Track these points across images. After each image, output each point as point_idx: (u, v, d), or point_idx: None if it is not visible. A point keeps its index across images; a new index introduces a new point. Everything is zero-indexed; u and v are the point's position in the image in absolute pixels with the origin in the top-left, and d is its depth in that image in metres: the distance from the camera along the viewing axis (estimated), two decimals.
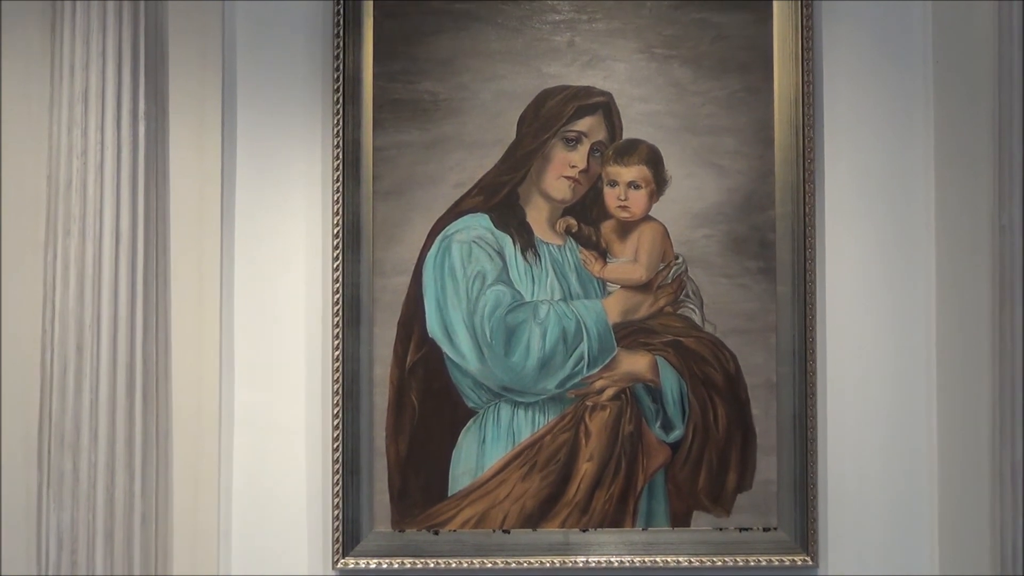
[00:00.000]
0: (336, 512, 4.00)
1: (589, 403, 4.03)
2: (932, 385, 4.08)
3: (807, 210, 4.04)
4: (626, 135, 4.06)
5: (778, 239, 4.05)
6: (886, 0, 4.13)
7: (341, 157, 4.03)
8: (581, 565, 4.01)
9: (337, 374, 4.01)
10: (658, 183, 4.05)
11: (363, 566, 4.00)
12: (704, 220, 4.05)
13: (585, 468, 4.02)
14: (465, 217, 4.05)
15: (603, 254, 4.05)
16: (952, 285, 4.02)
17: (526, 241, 4.05)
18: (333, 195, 4.04)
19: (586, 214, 4.06)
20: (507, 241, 4.05)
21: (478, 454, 4.02)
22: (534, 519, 4.02)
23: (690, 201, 4.06)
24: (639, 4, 4.07)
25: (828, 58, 4.11)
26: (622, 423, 4.03)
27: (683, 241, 4.05)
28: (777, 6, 4.07)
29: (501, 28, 4.06)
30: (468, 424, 4.02)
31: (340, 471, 4.00)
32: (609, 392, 4.03)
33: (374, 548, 4.00)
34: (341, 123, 4.04)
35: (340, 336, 4.01)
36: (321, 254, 4.06)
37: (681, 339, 4.04)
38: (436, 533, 4.01)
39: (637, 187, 4.05)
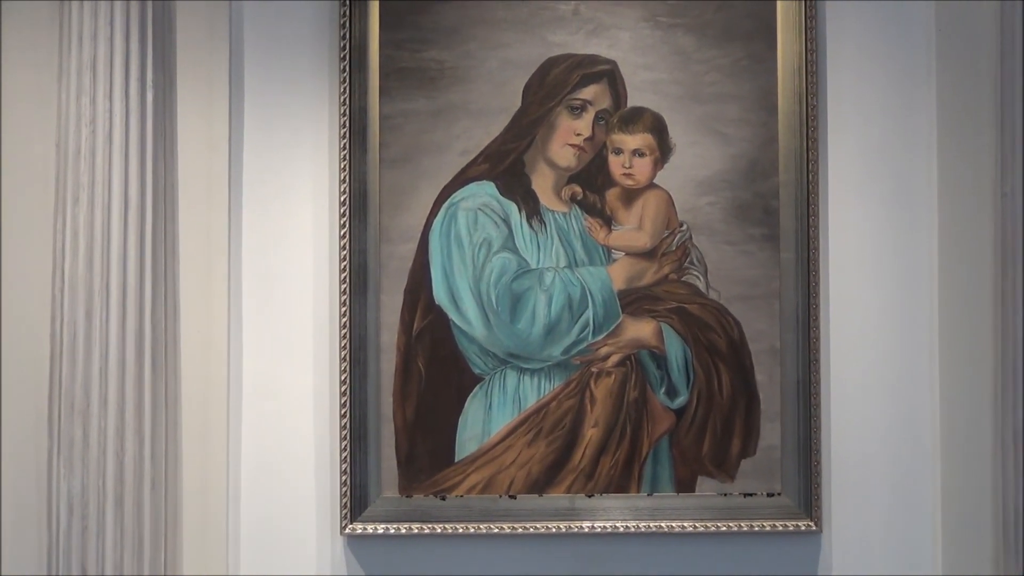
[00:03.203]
0: (344, 478, 4.01)
1: (594, 369, 4.04)
2: (934, 350, 4.08)
3: (810, 177, 4.05)
4: (631, 103, 4.06)
5: (782, 206, 4.05)
6: None
7: (348, 125, 4.04)
8: (587, 530, 4.02)
9: (344, 341, 4.02)
10: (662, 151, 4.06)
11: (371, 531, 4.01)
12: (708, 187, 4.06)
13: (590, 434, 4.03)
14: (471, 185, 4.05)
15: (608, 221, 4.06)
16: (954, 251, 4.03)
17: (532, 208, 4.05)
18: (340, 163, 4.04)
19: (591, 182, 4.06)
20: (513, 208, 4.05)
21: (484, 420, 4.03)
22: (540, 484, 4.03)
23: (694, 169, 4.06)
24: None
25: (831, 26, 4.10)
26: (627, 389, 4.04)
27: (687, 208, 4.06)
28: None
29: None
30: (474, 390, 4.03)
31: (348, 437, 4.01)
32: (614, 358, 4.04)
33: (381, 513, 4.02)
34: (348, 91, 4.04)
35: (347, 303, 4.02)
36: (328, 222, 4.06)
37: (686, 306, 4.05)
38: (443, 498, 4.03)
39: (642, 155, 4.05)
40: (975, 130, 3.91)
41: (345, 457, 4.01)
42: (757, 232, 4.05)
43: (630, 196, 4.06)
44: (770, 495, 4.04)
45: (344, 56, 4.05)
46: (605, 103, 4.06)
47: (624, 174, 4.06)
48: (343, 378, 4.02)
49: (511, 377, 4.04)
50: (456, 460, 4.03)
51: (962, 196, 4.00)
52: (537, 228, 4.05)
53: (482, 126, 4.05)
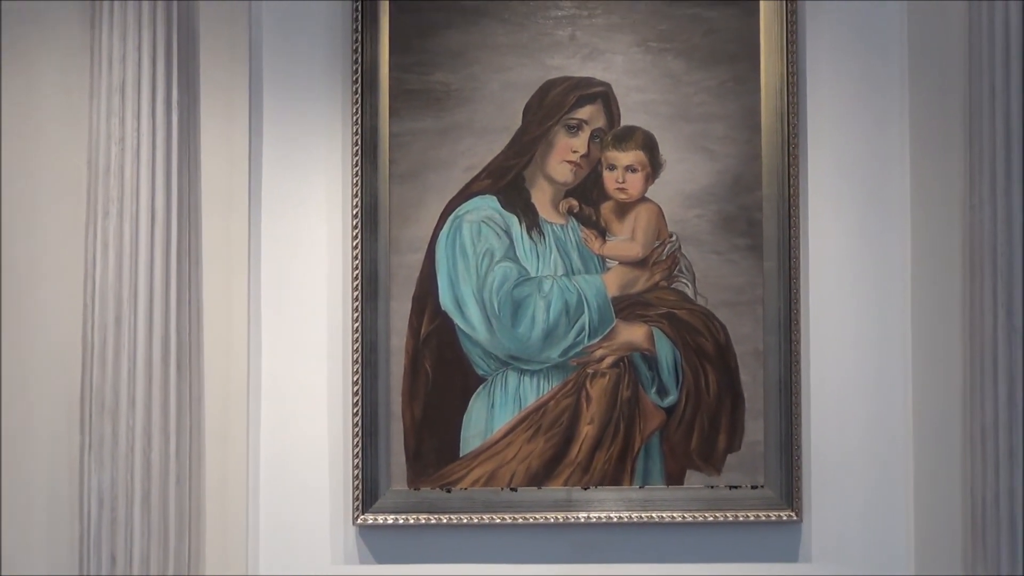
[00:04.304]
0: (356, 472, 4.08)
1: (590, 371, 4.11)
2: (908, 352, 4.13)
3: (791, 191, 4.10)
4: (624, 122, 4.13)
5: (765, 218, 4.11)
6: None
7: (359, 143, 4.10)
8: (583, 520, 4.09)
9: (356, 344, 4.08)
10: (653, 167, 4.13)
11: (381, 522, 4.08)
12: (696, 201, 4.12)
13: (586, 431, 4.10)
14: (475, 199, 4.12)
15: (602, 233, 4.13)
16: (926, 261, 4.09)
17: (531, 221, 4.12)
18: (352, 179, 4.10)
19: (587, 195, 4.13)
20: (514, 221, 4.12)
21: (487, 418, 4.10)
22: (539, 478, 4.10)
23: (683, 183, 4.12)
24: (635, 1, 4.14)
25: (811, 50, 4.16)
26: (620, 389, 4.11)
27: (676, 220, 4.13)
28: (763, 2, 4.14)
29: (508, 23, 4.12)
30: (478, 390, 4.10)
31: (359, 434, 4.08)
32: (608, 360, 4.11)
33: (391, 505, 4.09)
34: (359, 112, 4.10)
35: (359, 309, 4.09)
36: (341, 233, 4.12)
37: (675, 311, 4.12)
38: (448, 491, 4.09)
39: (634, 170, 4.13)
40: (945, 146, 3.98)
41: (357, 453, 4.08)
42: (741, 242, 4.12)
43: (623, 209, 4.14)
44: (754, 487, 4.11)
45: (356, 79, 4.11)
46: (600, 122, 4.13)
47: (617, 188, 4.13)
48: (355, 379, 4.09)
49: (512, 378, 4.11)
50: (461, 455, 4.11)
51: (933, 207, 4.06)
52: (536, 239, 4.12)
53: (485, 144, 4.12)
